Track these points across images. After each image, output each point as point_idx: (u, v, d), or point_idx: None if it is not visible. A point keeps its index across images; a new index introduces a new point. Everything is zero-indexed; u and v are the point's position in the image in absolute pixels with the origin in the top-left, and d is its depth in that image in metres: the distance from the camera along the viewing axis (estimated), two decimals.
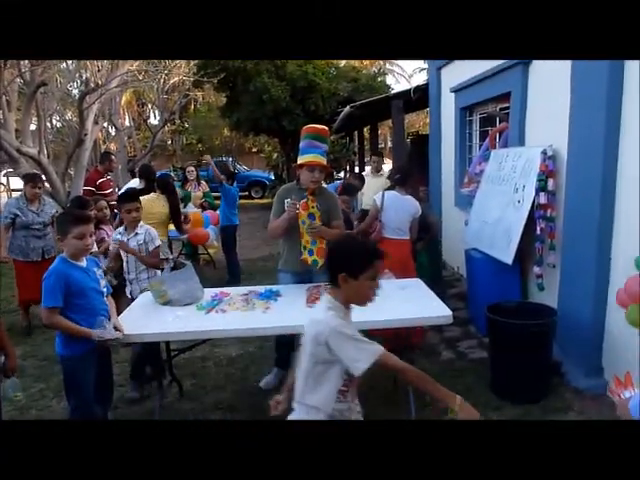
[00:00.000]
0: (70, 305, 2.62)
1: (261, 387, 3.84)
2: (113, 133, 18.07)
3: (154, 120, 23.55)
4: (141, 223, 3.78)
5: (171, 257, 5.28)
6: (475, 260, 4.74)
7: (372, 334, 3.85)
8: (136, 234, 3.71)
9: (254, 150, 25.76)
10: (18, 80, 9.12)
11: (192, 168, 7.44)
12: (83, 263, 2.75)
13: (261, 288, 3.58)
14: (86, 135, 9.25)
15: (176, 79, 14.04)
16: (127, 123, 23.99)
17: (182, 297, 3.30)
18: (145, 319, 3.09)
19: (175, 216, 5.20)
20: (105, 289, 2.87)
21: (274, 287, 3.59)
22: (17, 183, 20.62)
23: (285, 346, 3.85)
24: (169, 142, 25.39)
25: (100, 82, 9.31)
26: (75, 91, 13.46)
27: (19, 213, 5.09)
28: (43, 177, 7.27)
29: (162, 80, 13.49)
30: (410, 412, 3.21)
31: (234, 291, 3.59)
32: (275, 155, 17.82)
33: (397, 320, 2.98)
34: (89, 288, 2.71)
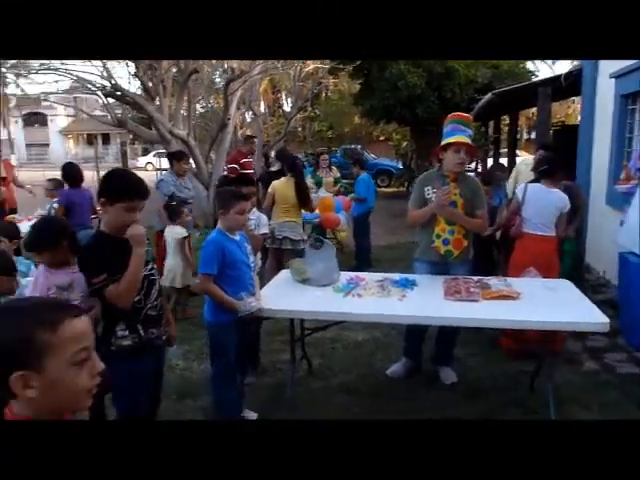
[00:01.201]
0: (222, 275, 2.79)
1: (387, 374, 3.83)
2: (248, 119, 19.04)
3: (287, 107, 24.44)
4: (254, 209, 3.85)
5: (306, 238, 5.45)
6: (633, 265, 4.27)
7: (517, 336, 3.72)
8: (249, 219, 3.83)
9: (381, 138, 25.65)
10: (173, 68, 9.91)
11: (325, 155, 7.60)
12: (237, 237, 2.93)
13: (396, 276, 3.55)
14: (229, 120, 9.86)
15: (311, 67, 14.39)
16: (262, 110, 25.12)
17: (320, 277, 3.38)
18: (282, 297, 3.21)
19: (302, 196, 5.27)
20: (253, 264, 3.03)
21: (410, 276, 3.54)
22: (164, 163, 22.74)
23: (416, 336, 3.79)
24: (300, 129, 26.21)
25: (244, 69, 9.82)
26: (218, 79, 14.39)
27: (175, 190, 5.50)
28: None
29: (298, 68, 13.89)
30: (549, 413, 3.00)
31: (369, 277, 3.60)
32: (404, 144, 17.62)
33: (546, 322, 2.78)
34: (240, 261, 2.87)
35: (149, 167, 28.61)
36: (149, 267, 2.34)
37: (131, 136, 32.35)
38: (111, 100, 9.93)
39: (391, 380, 3.80)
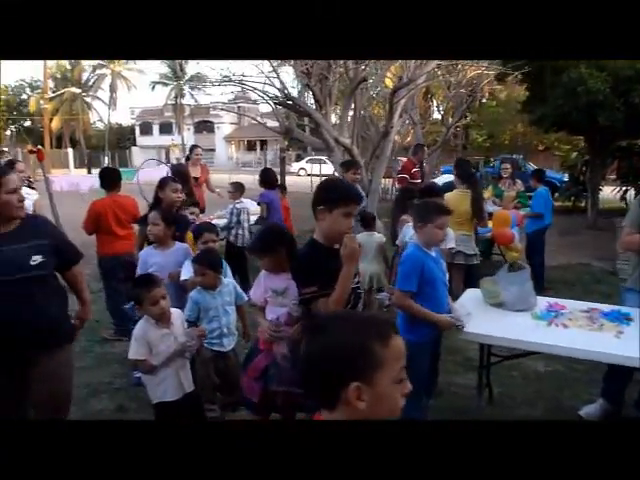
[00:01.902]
0: (420, 293, 2.68)
1: (580, 415, 3.42)
2: (399, 127, 18.89)
3: (437, 115, 23.87)
4: None
5: (477, 253, 5.15)
6: None
7: None
8: None
9: (541, 148, 23.91)
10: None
11: (507, 165, 7.11)
12: (433, 253, 2.80)
13: (605, 307, 3.14)
14: (392, 128, 9.81)
15: (474, 73, 13.83)
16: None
17: (515, 301, 3.12)
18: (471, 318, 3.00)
19: (477, 209, 4.99)
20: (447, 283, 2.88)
21: (622, 308, 3.11)
22: (315, 169, 23.72)
23: (620, 378, 3.33)
24: (452, 137, 25.42)
25: (411, 78, 9.72)
26: (378, 87, 14.47)
27: None
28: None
29: (460, 74, 13.43)
30: None
31: (570, 305, 3.24)
32: (574, 154, 16.13)
33: None
34: (438, 279, 2.74)
35: (301, 172, 30.00)
36: (355, 280, 2.30)
37: (286, 143, 34.27)
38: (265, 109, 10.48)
39: None
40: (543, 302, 3.23)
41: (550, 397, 3.76)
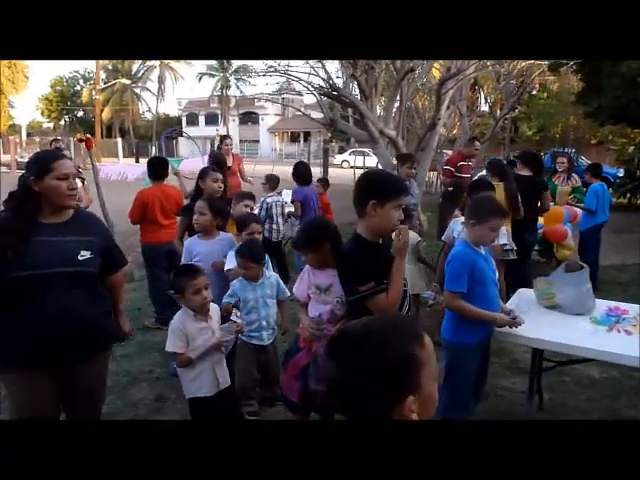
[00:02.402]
0: (469, 292, 2.54)
1: None
2: (445, 119, 18.43)
3: (485, 107, 23.16)
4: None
5: (514, 248, 4.92)
6: None
7: None
8: None
9: (593, 142, 22.86)
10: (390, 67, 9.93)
11: (563, 159, 6.73)
12: (482, 250, 2.65)
13: None
14: (439, 120, 9.55)
15: (525, 63, 13.30)
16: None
17: (571, 304, 2.92)
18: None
19: (512, 203, 4.70)
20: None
21: None
22: (358, 161, 23.51)
23: None
24: (499, 130, 24.63)
25: (459, 68, 9.41)
26: (424, 78, 14.13)
27: None
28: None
29: (510, 65, 12.94)
30: None
31: (632, 308, 3.01)
32: (630, 148, 15.34)
33: None
34: (489, 278, 2.59)
35: (344, 165, 29.76)
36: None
37: (329, 134, 34.07)
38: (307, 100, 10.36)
39: None
40: (602, 306, 3.02)
41: (605, 406, 3.53)
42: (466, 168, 6.34)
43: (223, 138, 7.13)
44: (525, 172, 5.06)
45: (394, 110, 10.05)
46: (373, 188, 2.11)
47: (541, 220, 5.67)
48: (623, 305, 3.09)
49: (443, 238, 4.35)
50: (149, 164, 4.63)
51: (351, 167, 23.79)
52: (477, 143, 6.45)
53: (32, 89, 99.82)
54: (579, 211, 6.09)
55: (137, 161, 30.52)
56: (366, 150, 21.90)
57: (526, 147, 19.65)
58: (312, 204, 5.57)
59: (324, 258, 2.37)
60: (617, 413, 3.42)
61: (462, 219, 3.50)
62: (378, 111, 10.21)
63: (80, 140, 6.63)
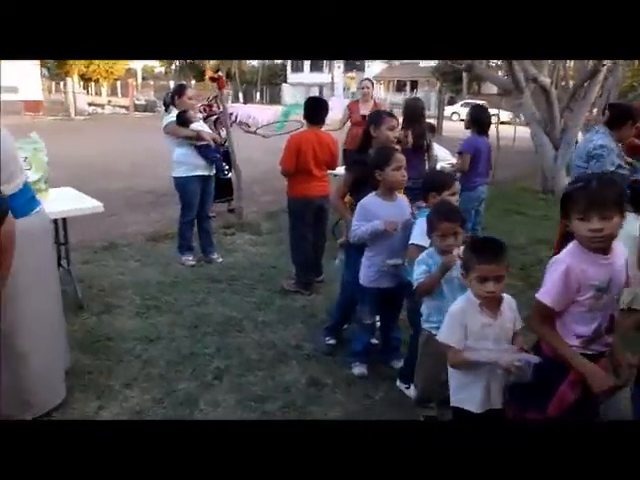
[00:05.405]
0: None
1: None
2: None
3: None
4: None
5: None
6: None
7: None
8: None
9: None
10: None
11: None
12: None
13: None
14: (603, 66, 8.12)
15: None
16: None
17: None
18: None
19: None
20: None
21: None
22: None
23: None
24: None
25: None
26: None
27: (621, 163, 4.20)
28: None
29: None
30: None
31: None
32: None
33: None
34: None
35: (454, 117, 27.71)
36: None
37: (439, 84, 31.63)
38: None
39: None
40: None
41: None
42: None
43: (362, 81, 6.42)
44: None
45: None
46: None
47: None
48: None
49: None
50: (307, 104, 3.98)
51: (461, 120, 22.00)
52: None
53: None
54: None
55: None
56: (479, 102, 20.02)
57: None
58: (485, 157, 4.68)
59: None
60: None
61: None
62: None
63: (212, 79, 6.23)
